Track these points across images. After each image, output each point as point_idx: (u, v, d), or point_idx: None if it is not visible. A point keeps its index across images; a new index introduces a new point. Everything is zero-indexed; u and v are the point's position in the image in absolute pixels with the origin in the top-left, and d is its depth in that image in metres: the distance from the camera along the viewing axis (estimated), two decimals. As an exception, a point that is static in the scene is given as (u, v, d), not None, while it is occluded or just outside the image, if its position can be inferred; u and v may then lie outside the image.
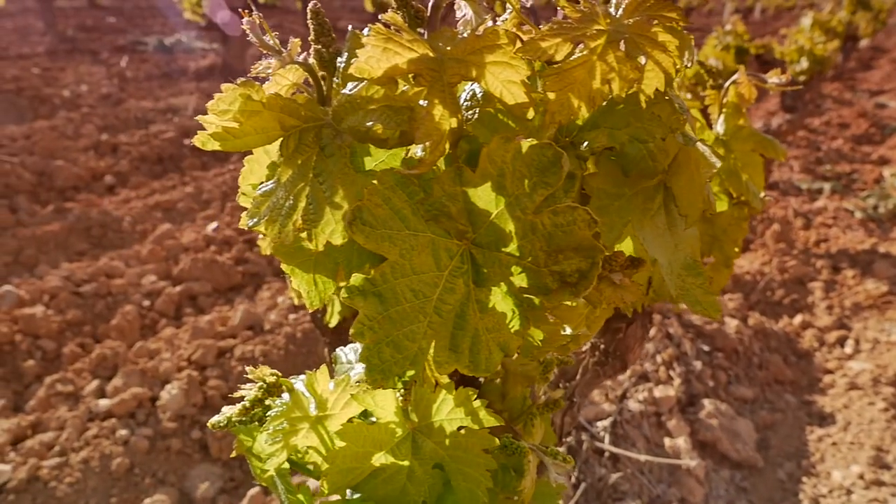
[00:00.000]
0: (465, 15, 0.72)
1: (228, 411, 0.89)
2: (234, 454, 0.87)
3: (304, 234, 0.64)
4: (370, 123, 0.59)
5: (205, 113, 0.67)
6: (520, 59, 0.63)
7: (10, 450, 2.24)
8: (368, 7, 9.29)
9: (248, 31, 0.65)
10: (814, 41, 4.53)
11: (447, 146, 0.60)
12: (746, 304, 3.58)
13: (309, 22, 0.67)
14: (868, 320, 3.50)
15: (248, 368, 0.76)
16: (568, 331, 0.84)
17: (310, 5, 0.67)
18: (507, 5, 0.76)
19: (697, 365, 2.91)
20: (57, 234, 3.84)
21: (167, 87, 7.29)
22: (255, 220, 0.66)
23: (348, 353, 0.99)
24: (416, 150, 0.69)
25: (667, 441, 2.46)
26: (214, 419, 0.79)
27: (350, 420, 0.76)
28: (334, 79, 0.66)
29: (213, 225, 4.05)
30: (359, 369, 0.92)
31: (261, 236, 1.42)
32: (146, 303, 3.23)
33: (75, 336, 2.95)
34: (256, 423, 0.82)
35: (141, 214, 4.23)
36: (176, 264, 3.58)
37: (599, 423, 2.43)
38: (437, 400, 0.75)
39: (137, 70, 7.96)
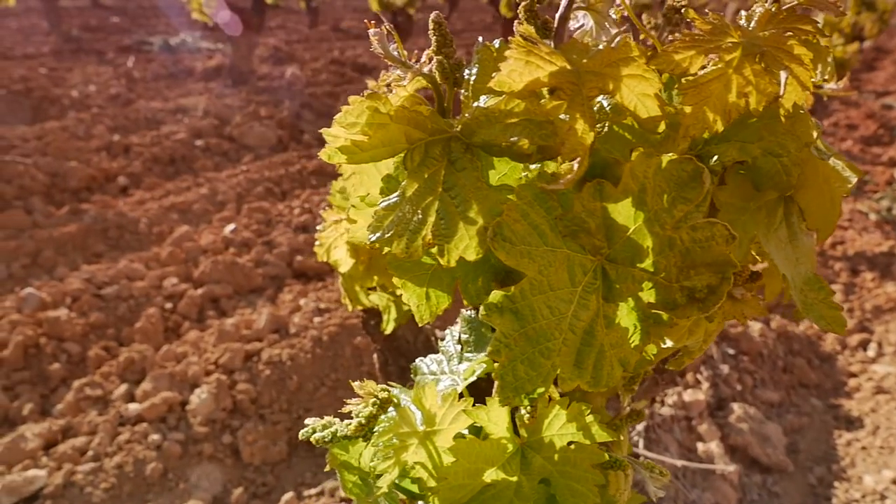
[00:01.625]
0: (582, 25, 0.71)
1: (315, 424, 0.88)
2: (327, 468, 0.86)
3: (433, 250, 0.63)
4: (514, 138, 0.58)
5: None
6: (652, 71, 0.63)
7: (43, 454, 2.22)
8: (374, 7, 9.26)
9: (374, 41, 0.64)
10: (832, 43, 4.53)
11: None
12: (767, 307, 3.58)
13: (431, 33, 0.66)
14: (889, 323, 3.49)
15: (355, 384, 0.75)
16: (668, 343, 0.83)
17: (432, 16, 0.66)
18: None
19: (724, 369, 2.91)
20: (74, 235, 3.83)
21: (175, 88, 7.27)
22: (379, 234, 0.65)
23: (430, 364, 0.98)
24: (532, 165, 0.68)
25: (699, 446, 2.46)
26: (318, 434, 0.78)
27: (459, 435, 0.75)
28: (461, 91, 0.65)
29: (231, 227, 4.03)
30: (447, 381, 0.91)
31: (317, 244, 1.41)
32: (168, 305, 3.22)
33: (99, 339, 2.94)
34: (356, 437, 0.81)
35: (157, 216, 4.21)
36: (196, 266, 3.56)
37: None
38: (550, 415, 0.74)
39: (144, 70, 7.93)
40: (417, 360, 1.01)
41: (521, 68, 0.59)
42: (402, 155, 0.66)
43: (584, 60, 0.61)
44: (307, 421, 0.93)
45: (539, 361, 0.62)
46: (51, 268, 3.56)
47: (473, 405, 0.76)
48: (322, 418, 0.91)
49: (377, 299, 1.43)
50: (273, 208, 4.39)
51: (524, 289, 0.60)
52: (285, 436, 2.49)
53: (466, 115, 0.62)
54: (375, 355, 1.62)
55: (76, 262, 3.66)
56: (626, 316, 0.67)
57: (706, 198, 0.64)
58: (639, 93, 0.62)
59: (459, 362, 0.92)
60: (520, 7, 0.65)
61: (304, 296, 3.36)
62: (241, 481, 2.30)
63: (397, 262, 0.73)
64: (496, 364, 0.62)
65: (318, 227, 1.41)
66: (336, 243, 1.38)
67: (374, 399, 0.73)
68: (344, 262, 1.38)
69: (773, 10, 0.64)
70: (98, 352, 2.80)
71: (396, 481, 0.88)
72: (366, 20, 0.67)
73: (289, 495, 2.24)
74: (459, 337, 0.94)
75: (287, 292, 3.43)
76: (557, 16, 0.65)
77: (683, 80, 0.64)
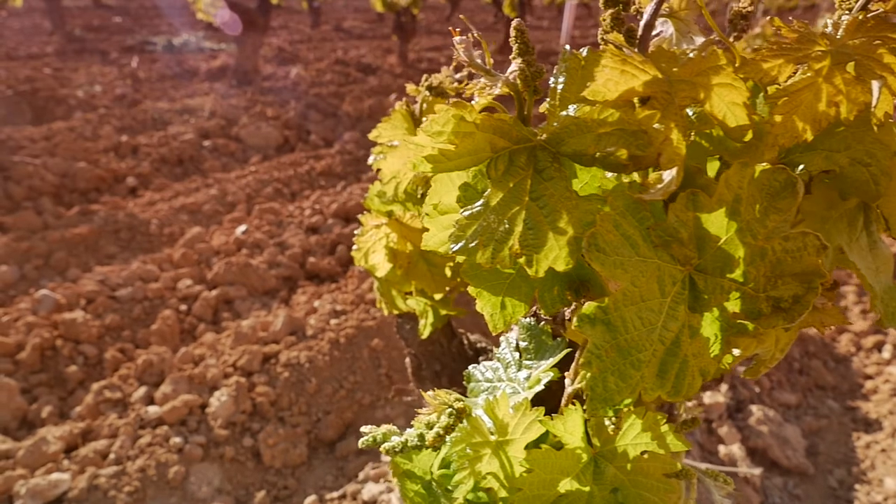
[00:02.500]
0: (660, 32, 0.71)
1: (375, 432, 0.87)
2: (392, 479, 0.86)
3: (521, 260, 0.62)
4: (611, 148, 0.57)
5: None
6: (740, 80, 0.62)
7: (64, 457, 2.21)
8: (379, 8, 9.25)
9: (459, 49, 0.63)
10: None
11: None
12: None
13: (512, 40, 0.65)
14: (903, 325, 3.49)
15: (427, 395, 0.75)
16: (736, 352, 0.82)
17: (514, 23, 0.66)
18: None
19: (740, 369, 2.90)
20: (86, 236, 3.82)
21: (181, 88, 7.25)
22: (462, 244, 0.64)
23: (485, 371, 0.97)
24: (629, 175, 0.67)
25: (721, 448, 2.45)
26: (387, 444, 0.77)
27: (534, 445, 0.75)
28: (547, 99, 0.65)
29: (242, 228, 4.02)
30: (506, 390, 0.91)
31: (355, 248, 1.41)
32: (183, 307, 3.21)
33: (115, 341, 2.93)
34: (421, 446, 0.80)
35: (167, 217, 4.20)
36: (209, 268, 3.56)
37: (654, 431, 2.42)
38: (625, 424, 0.74)
39: (149, 71, 7.92)
40: (471, 367, 1.00)
41: (616, 77, 0.58)
42: (480, 163, 0.65)
43: (675, 69, 0.61)
44: (363, 429, 0.93)
45: (629, 373, 0.61)
46: (63, 269, 3.55)
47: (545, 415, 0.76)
48: (379, 426, 0.91)
49: (414, 304, 1.42)
50: (283, 209, 4.38)
51: (617, 300, 0.60)
52: (305, 438, 2.48)
53: (554, 123, 0.62)
54: (408, 359, 1.61)
55: (88, 264, 3.65)
56: (708, 326, 0.67)
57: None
58: (728, 101, 0.61)
59: (518, 370, 0.92)
60: (604, 14, 0.64)
61: (318, 297, 3.35)
62: (263, 484, 2.30)
63: (473, 270, 0.72)
64: (588, 375, 0.61)
65: (355, 232, 1.41)
66: (374, 248, 1.37)
67: (451, 409, 0.72)
68: (382, 266, 1.37)
69: (861, 18, 0.63)
70: (115, 354, 2.79)
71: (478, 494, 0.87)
72: (450, 28, 0.67)
73: (311, 499, 2.23)
74: (517, 344, 0.94)
75: (301, 294, 3.43)
76: (642, 24, 0.65)
77: (771, 89, 0.64)
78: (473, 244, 0.64)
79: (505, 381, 0.93)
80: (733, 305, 0.65)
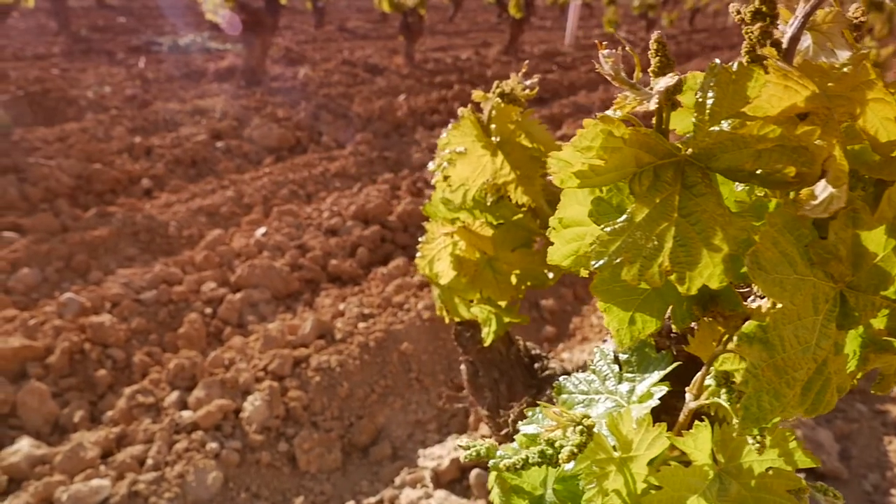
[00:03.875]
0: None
1: (479, 446, 0.86)
2: (493, 497, 0.85)
3: (672, 276, 0.61)
4: (779, 165, 0.56)
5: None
6: (891, 95, 0.61)
7: (101, 463, 2.20)
8: (386, 8, 9.23)
9: (605, 63, 0.62)
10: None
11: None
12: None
13: (652, 53, 0.65)
14: (927, 328, 3.49)
15: (551, 411, 0.74)
16: (849, 365, 0.81)
17: (654, 35, 0.65)
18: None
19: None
20: (105, 239, 3.80)
21: (190, 89, 7.23)
22: (605, 260, 0.63)
23: (578, 383, 0.96)
24: (756, 191, 0.66)
25: (757, 453, 2.45)
26: (508, 461, 0.76)
27: (653, 462, 0.74)
28: (697, 115, 0.64)
29: (262, 230, 4.01)
30: (607, 403, 0.90)
31: (419, 255, 1.40)
32: (208, 310, 3.19)
33: (142, 345, 2.91)
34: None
35: (185, 219, 4.18)
36: (231, 271, 3.54)
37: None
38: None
39: (157, 71, 7.89)
40: (561, 379, 0.99)
41: (780, 93, 0.57)
42: (624, 179, 0.64)
43: (829, 84, 0.60)
44: (459, 442, 0.92)
45: (783, 391, 0.61)
46: (84, 272, 3.53)
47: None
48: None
49: (478, 311, 1.41)
50: (301, 211, 4.37)
51: (776, 318, 0.59)
52: (339, 443, 2.47)
53: (707, 139, 0.61)
54: (463, 367, 1.60)
55: (109, 266, 3.63)
56: (850, 342, 0.66)
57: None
58: (882, 117, 0.61)
59: (618, 382, 0.91)
60: (751, 27, 0.64)
61: (343, 300, 3.34)
62: (300, 490, 2.29)
63: (604, 286, 0.71)
64: (742, 394, 0.60)
65: (420, 239, 1.40)
66: (439, 255, 1.36)
67: (581, 426, 0.71)
68: (446, 274, 1.36)
69: None
70: (142, 357, 2.77)
71: None
72: (597, 41, 0.66)
73: (349, 504, 2.22)
74: (615, 356, 0.93)
75: (325, 297, 3.41)
76: (787, 37, 0.64)
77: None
78: (618, 260, 0.63)
79: (604, 395, 0.92)
80: (879, 322, 0.65)
